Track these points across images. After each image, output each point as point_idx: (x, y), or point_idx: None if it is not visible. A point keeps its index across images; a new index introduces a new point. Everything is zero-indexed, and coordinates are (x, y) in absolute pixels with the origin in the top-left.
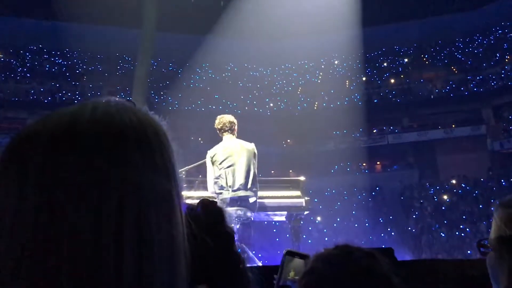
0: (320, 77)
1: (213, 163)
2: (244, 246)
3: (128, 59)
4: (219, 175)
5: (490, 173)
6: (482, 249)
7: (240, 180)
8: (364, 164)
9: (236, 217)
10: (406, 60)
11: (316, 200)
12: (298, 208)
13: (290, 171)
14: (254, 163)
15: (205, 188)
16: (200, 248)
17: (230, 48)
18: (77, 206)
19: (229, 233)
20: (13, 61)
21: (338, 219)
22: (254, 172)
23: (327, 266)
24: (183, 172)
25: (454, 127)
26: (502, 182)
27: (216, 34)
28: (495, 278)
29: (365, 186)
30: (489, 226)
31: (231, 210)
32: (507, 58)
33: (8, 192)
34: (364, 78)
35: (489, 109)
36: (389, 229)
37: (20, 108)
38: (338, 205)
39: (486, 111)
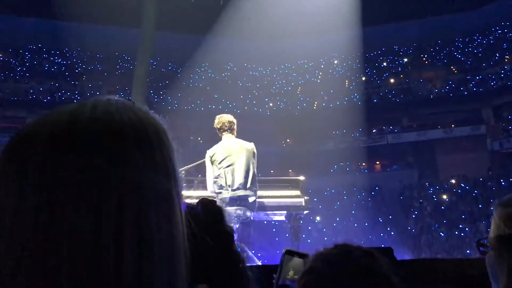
0: (319, 77)
1: (212, 162)
2: (243, 245)
3: (128, 58)
4: (219, 175)
5: (490, 173)
6: (481, 248)
7: (239, 179)
8: (363, 164)
9: (236, 217)
10: (405, 60)
11: (315, 199)
12: (298, 207)
13: (290, 170)
14: (253, 162)
15: (205, 188)
16: (199, 247)
17: (230, 48)
18: (77, 205)
19: (229, 232)
20: (12, 61)
21: (338, 219)
22: (254, 172)
23: (326, 265)
24: (183, 172)
25: (454, 127)
26: (502, 182)
27: (215, 34)
28: (494, 277)
29: (364, 186)
30: (488, 226)
31: (230, 210)
32: (506, 58)
33: (7, 192)
34: (363, 78)
35: (489, 109)
36: (388, 229)
37: (19, 107)
38: (337, 204)
39: (485, 111)
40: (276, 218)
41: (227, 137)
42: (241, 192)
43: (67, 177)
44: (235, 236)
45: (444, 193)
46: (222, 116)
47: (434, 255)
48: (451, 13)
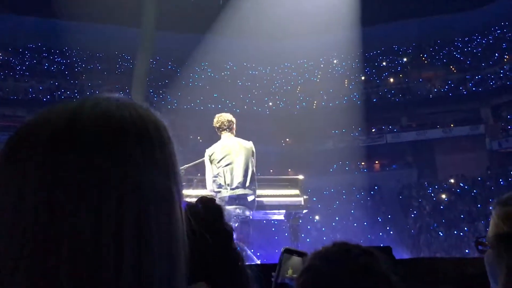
0: (319, 76)
1: (211, 161)
2: (242, 244)
3: (127, 57)
4: (218, 174)
5: (489, 172)
6: (480, 247)
7: (238, 178)
8: (362, 163)
9: (235, 216)
10: (405, 59)
11: (314, 199)
12: (297, 206)
13: (289, 170)
14: (252, 161)
15: (204, 187)
16: (199, 245)
17: (229, 47)
18: (77, 205)
19: (228, 231)
20: (12, 60)
21: (337, 218)
22: (253, 171)
23: (325, 263)
24: (182, 171)
25: (453, 126)
26: (501, 182)
27: (215, 33)
28: (493, 276)
29: (363, 185)
30: (487, 226)
31: (229, 209)
32: (506, 58)
33: (7, 192)
34: (363, 77)
35: (488, 108)
36: (387, 228)
37: (19, 106)
38: (336, 204)
39: (484, 110)
40: (275, 217)
41: (226, 136)
42: (240, 191)
43: (67, 177)
44: (234, 235)
45: (443, 192)
46: (221, 115)
47: (433, 254)
48: (451, 13)
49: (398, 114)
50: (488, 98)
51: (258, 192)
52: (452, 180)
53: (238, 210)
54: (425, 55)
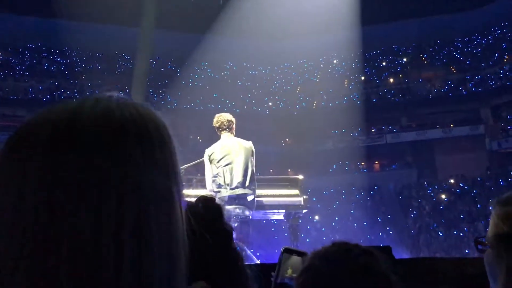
0: (319, 76)
1: (211, 161)
2: (242, 244)
3: (127, 57)
4: (217, 173)
5: (488, 172)
6: (479, 247)
7: (238, 178)
8: (362, 164)
9: (234, 215)
10: (405, 59)
11: (314, 199)
12: (296, 206)
13: (289, 170)
14: (252, 161)
15: (204, 186)
16: (199, 244)
17: (229, 47)
18: (77, 205)
19: (228, 231)
20: (12, 59)
21: (337, 218)
22: (252, 170)
23: (324, 263)
24: (182, 170)
25: (453, 126)
26: (500, 182)
27: (215, 33)
28: (492, 275)
29: (363, 185)
30: (487, 226)
31: (229, 208)
32: (505, 58)
33: (7, 192)
34: (362, 78)
35: (488, 108)
36: (387, 228)
37: (19, 106)
38: (336, 204)
39: (484, 110)
40: (275, 217)
41: (225, 136)
42: (239, 191)
43: (67, 177)
44: (234, 235)
45: (442, 192)
46: (221, 115)
47: (433, 254)
48: (451, 13)
49: (398, 114)
50: (488, 98)
51: (258, 192)
52: (452, 180)
53: (237, 210)
54: (425, 55)
